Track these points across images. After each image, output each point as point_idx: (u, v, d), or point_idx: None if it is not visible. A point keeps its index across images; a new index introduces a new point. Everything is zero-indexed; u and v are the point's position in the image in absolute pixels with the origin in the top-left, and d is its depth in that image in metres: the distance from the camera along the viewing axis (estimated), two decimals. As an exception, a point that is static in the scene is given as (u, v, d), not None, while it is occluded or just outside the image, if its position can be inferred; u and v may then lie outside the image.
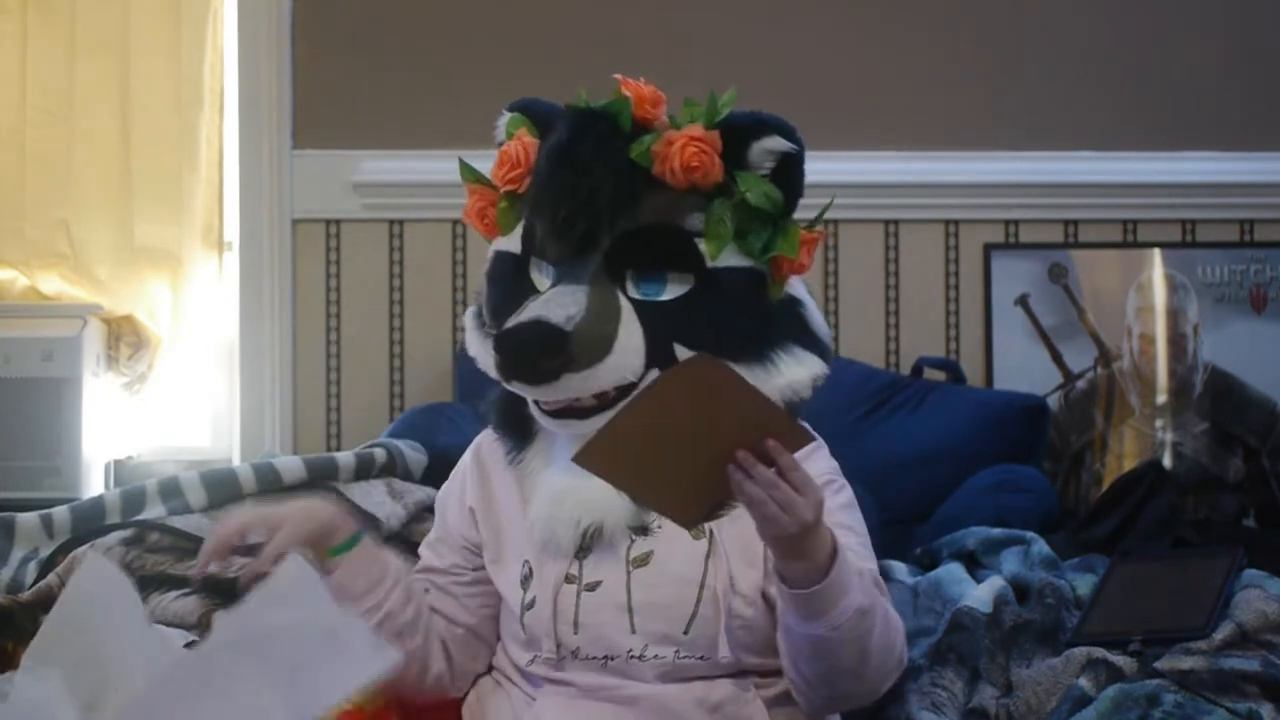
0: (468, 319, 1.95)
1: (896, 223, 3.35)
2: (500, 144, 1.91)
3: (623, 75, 1.85)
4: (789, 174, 1.82)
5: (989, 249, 3.34)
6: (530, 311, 1.76)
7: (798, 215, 1.86)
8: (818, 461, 1.84)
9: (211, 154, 3.35)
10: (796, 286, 1.90)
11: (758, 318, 1.82)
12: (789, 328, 1.86)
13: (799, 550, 1.61)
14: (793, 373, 1.83)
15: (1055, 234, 3.36)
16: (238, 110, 3.34)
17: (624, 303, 1.78)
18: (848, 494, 1.88)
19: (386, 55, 3.32)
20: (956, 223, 3.35)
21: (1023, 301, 3.34)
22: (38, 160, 3.33)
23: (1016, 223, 3.36)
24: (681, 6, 3.32)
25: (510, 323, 1.78)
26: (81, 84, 3.32)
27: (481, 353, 1.89)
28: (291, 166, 3.31)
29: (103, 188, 3.32)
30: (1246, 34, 3.39)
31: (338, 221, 3.32)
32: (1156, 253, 3.36)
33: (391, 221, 3.31)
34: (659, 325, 1.77)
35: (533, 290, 1.82)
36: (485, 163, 1.94)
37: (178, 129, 3.32)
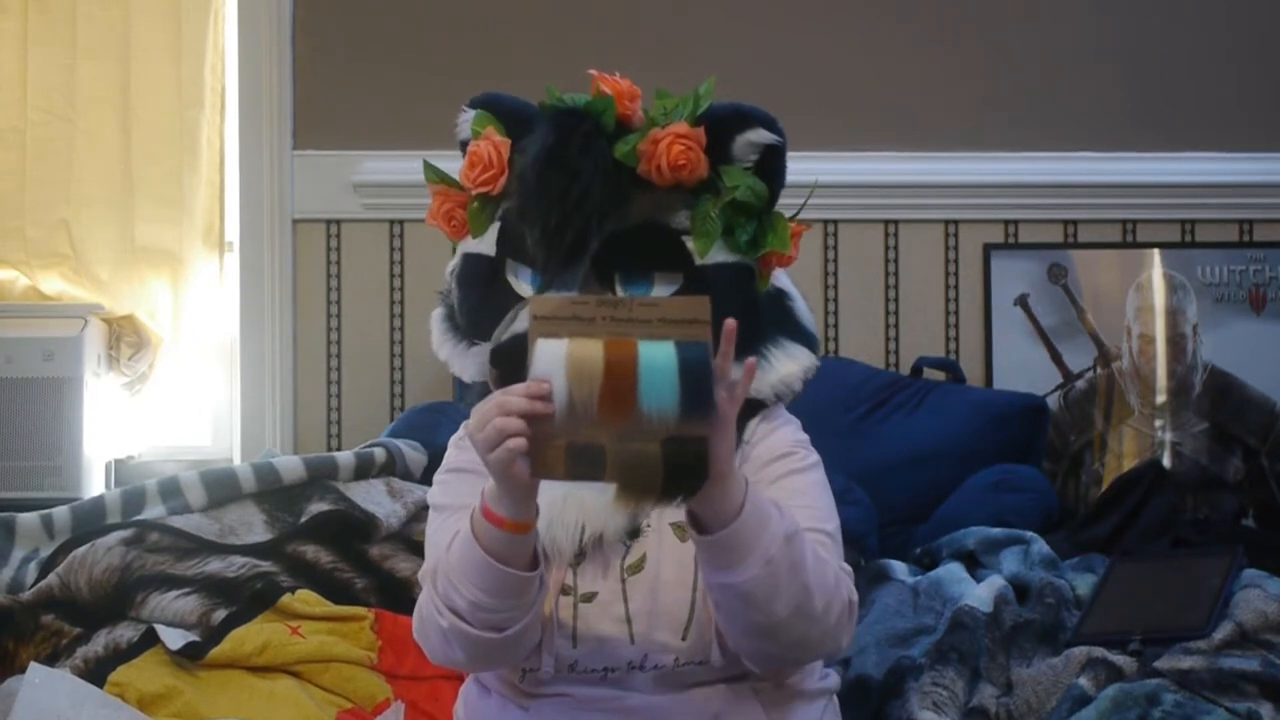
0: (435, 321, 1.91)
1: (896, 223, 3.35)
2: (464, 142, 1.86)
3: (598, 71, 1.78)
4: (772, 166, 1.79)
5: (989, 249, 3.35)
6: (523, 320, 1.71)
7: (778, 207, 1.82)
8: (783, 434, 1.80)
9: (212, 154, 3.35)
10: (781, 279, 1.87)
11: (747, 313, 1.75)
12: (778, 322, 1.84)
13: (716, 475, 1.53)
14: (784, 367, 1.81)
15: (1055, 234, 3.36)
16: (238, 110, 3.34)
17: None
18: (810, 461, 1.80)
19: (387, 55, 3.32)
20: (956, 223, 3.35)
21: (1022, 301, 3.34)
22: (38, 160, 3.33)
23: (1016, 223, 3.36)
24: (686, 8, 3.33)
25: (505, 334, 1.75)
26: (82, 84, 3.32)
27: (457, 357, 1.86)
28: (291, 166, 3.31)
29: (103, 188, 3.32)
30: (1247, 34, 3.39)
31: (338, 221, 3.32)
32: (1156, 253, 3.36)
33: (391, 221, 3.31)
34: None
35: (510, 294, 1.79)
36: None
37: (178, 129, 3.32)
